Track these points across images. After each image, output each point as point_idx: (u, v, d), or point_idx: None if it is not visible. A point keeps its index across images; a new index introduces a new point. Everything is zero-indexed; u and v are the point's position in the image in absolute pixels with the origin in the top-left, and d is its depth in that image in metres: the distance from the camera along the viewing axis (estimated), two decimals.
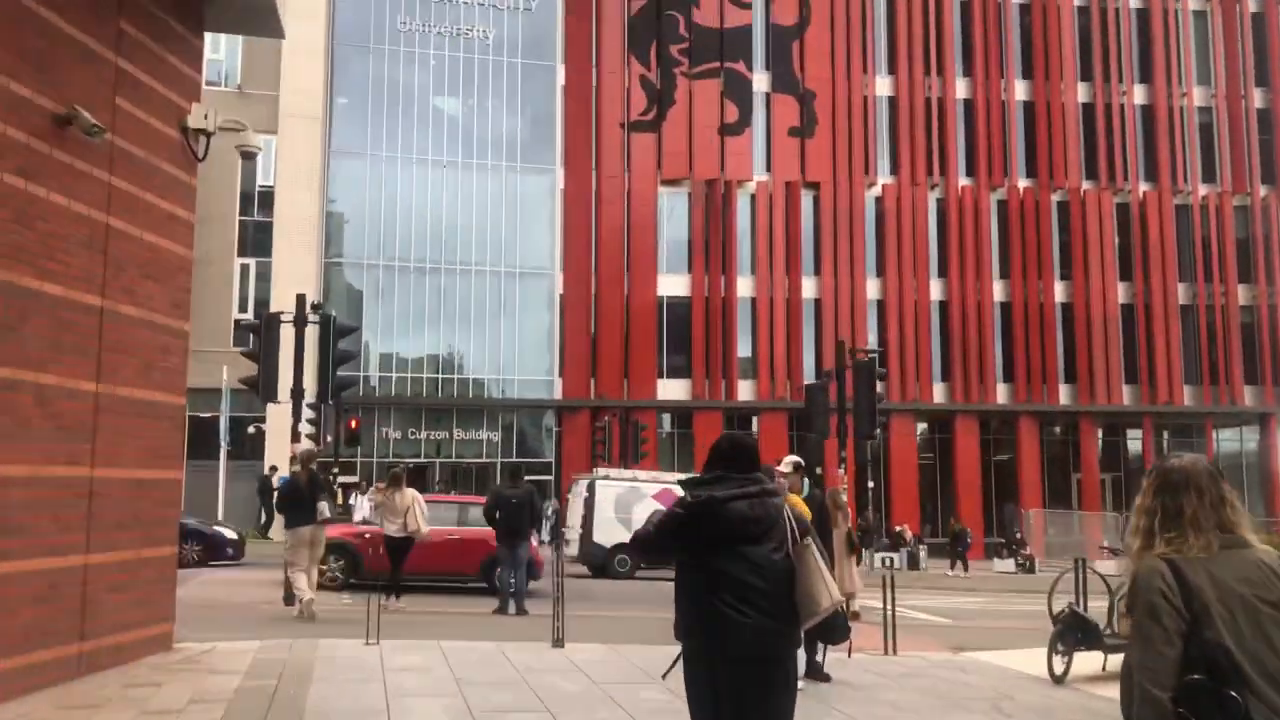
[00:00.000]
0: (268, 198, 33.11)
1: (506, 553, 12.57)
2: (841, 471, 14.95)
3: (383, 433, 34.95)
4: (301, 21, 33.17)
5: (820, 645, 8.44)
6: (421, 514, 12.57)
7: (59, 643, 7.21)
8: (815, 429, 14.79)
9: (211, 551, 19.93)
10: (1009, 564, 29.45)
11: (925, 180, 38.33)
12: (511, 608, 12.62)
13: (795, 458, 8.45)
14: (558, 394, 36.33)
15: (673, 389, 36.52)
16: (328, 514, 11.89)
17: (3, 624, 6.63)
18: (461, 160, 36.46)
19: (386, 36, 36.06)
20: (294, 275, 31.02)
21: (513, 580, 12.44)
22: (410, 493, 12.66)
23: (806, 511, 7.85)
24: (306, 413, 18.66)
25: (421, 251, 35.89)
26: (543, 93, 37.27)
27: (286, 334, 13.02)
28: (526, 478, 36.18)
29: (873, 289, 37.95)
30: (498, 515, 12.64)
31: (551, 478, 35.61)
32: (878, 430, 14.29)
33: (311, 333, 12.92)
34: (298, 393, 12.94)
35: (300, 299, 13.35)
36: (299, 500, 11.72)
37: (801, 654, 8.18)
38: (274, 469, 27.93)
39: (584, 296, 36.43)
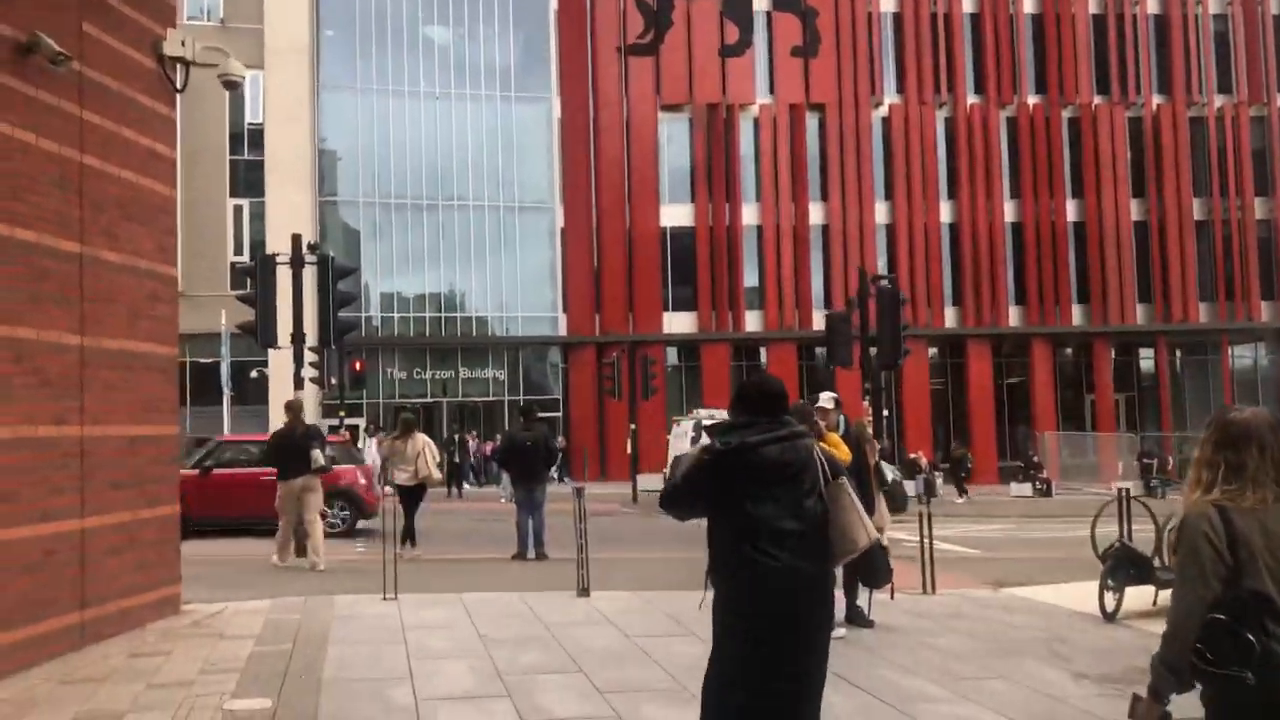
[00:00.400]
0: (258, 136, 32.21)
1: (524, 496, 12.15)
2: (866, 403, 14.49)
3: (387, 374, 34.48)
4: None
5: (862, 589, 7.98)
6: (433, 459, 12.13)
7: (58, 612, 6.76)
8: (838, 359, 14.27)
9: None
10: (1025, 488, 29.12)
11: (933, 99, 37.30)
12: (531, 552, 12.22)
13: (833, 394, 7.92)
14: (562, 330, 35.79)
15: (679, 322, 35.95)
16: (321, 461, 11.46)
17: None
18: (455, 91, 35.43)
19: None
20: (288, 215, 30.28)
21: (530, 523, 12.03)
22: (421, 438, 12.20)
23: (845, 451, 7.40)
24: (309, 357, 18.15)
25: (418, 187, 35.05)
26: (535, 17, 36.11)
27: (284, 277, 12.43)
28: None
29: (881, 213, 37.15)
30: (512, 458, 12.22)
31: (560, 414, 35.23)
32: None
33: (310, 275, 12.34)
34: (298, 337, 12.37)
35: (296, 239, 12.73)
36: (291, 451, 11.41)
37: (841, 599, 7.78)
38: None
39: (585, 229, 35.69)
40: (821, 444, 7.04)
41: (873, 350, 16.17)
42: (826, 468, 3.96)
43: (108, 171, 7.07)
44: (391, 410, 34.44)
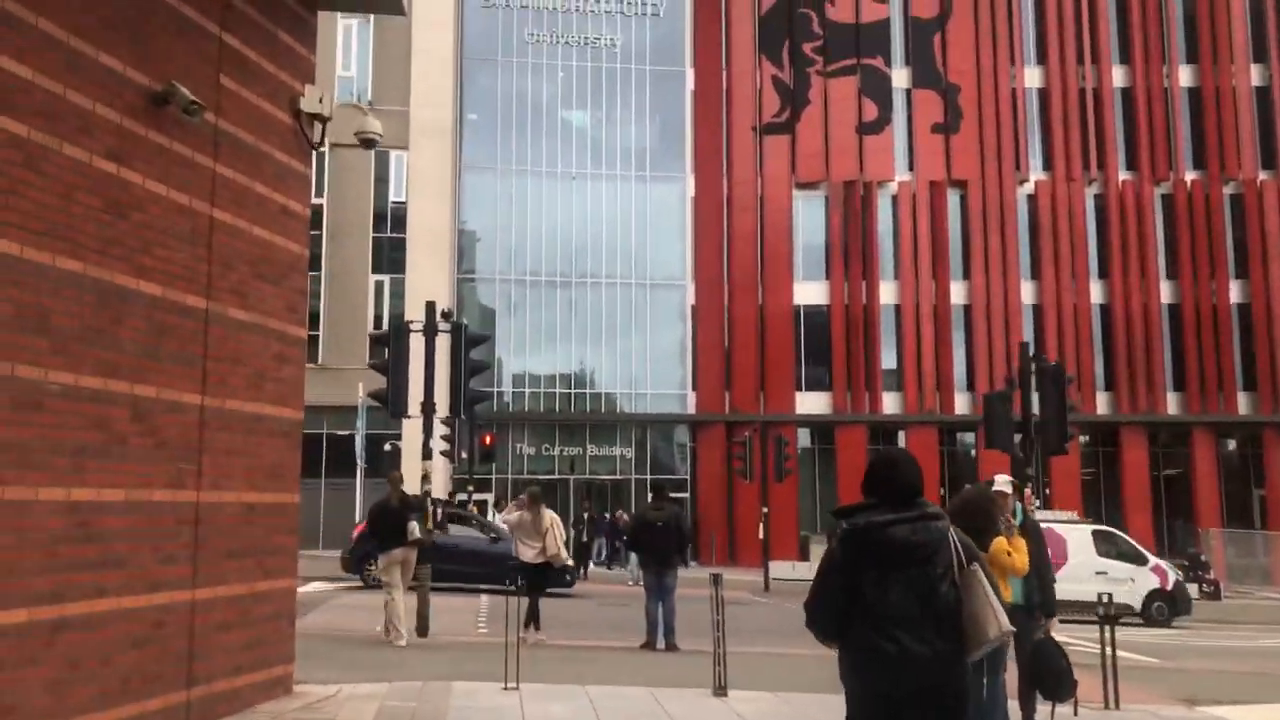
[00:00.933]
0: (401, 214, 33.02)
1: (654, 580, 11.39)
2: (1029, 491, 13.33)
3: (516, 449, 34.40)
4: (430, 31, 33.16)
5: (1041, 701, 6.97)
6: (560, 538, 11.55)
7: (164, 690, 6.35)
8: (996, 443, 13.20)
9: None
10: (1191, 589, 26.75)
11: (1081, 175, 35.84)
12: (660, 642, 11.43)
13: (1009, 477, 7.02)
14: (691, 408, 35.19)
15: (812, 402, 34.95)
16: (417, 534, 11.45)
17: (100, 670, 5.79)
18: (591, 171, 35.77)
19: (515, 48, 35.69)
20: (427, 291, 30.53)
21: (660, 611, 11.25)
22: (549, 514, 11.65)
23: (1023, 558, 6.32)
24: (439, 429, 17.98)
25: (553, 265, 35.29)
26: (672, 99, 36.32)
27: (416, 346, 12.21)
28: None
29: (1027, 293, 35.62)
30: (641, 539, 11.59)
31: (687, 495, 34.44)
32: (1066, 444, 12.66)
33: (443, 344, 12.10)
34: (429, 407, 12.08)
35: (430, 306, 12.52)
36: (390, 522, 11.48)
37: (1015, 711, 6.76)
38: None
39: (717, 307, 35.23)
40: (1003, 550, 6.25)
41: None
42: (962, 553, 3.79)
43: (239, 227, 6.84)
44: (520, 486, 34.36)
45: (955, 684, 3.71)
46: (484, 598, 17.33)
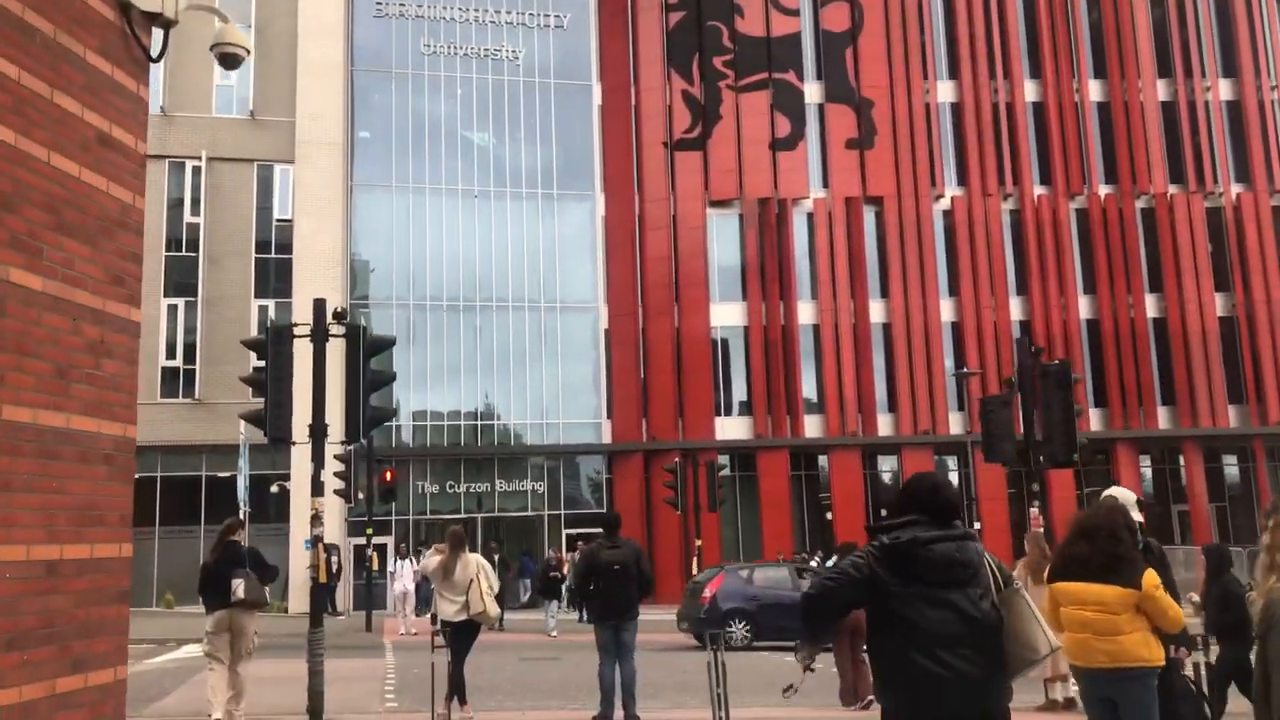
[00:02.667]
0: (286, 233, 30.33)
1: (609, 637, 9.21)
2: (1034, 511, 11.75)
3: (418, 487, 31.85)
4: (318, 40, 30.77)
5: None
6: (488, 589, 9.39)
7: None
8: (998, 455, 11.56)
9: None
10: None
11: (997, 190, 35.23)
12: (618, 712, 9.32)
13: (1128, 490, 5.37)
14: (607, 437, 33.21)
15: (732, 428, 33.30)
16: (240, 594, 9.25)
17: None
18: (494, 189, 33.71)
19: (410, 60, 33.52)
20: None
21: (617, 675, 9.12)
22: (474, 561, 9.50)
23: (1177, 613, 5.14)
24: (331, 463, 15.66)
25: (454, 289, 33.02)
26: (579, 114, 34.57)
27: (302, 355, 10.00)
28: (569, 532, 33.19)
29: (947, 310, 34.72)
30: (594, 585, 9.38)
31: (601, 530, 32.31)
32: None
33: (335, 352, 9.95)
34: (319, 430, 9.87)
35: (319, 305, 10.32)
36: (208, 581, 9.51)
37: None
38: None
39: (631, 331, 33.41)
40: (1152, 593, 5.12)
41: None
42: (998, 574, 3.78)
43: (24, 150, 4.64)
44: (422, 528, 31.84)
45: (1000, 705, 3.68)
46: (390, 658, 14.97)
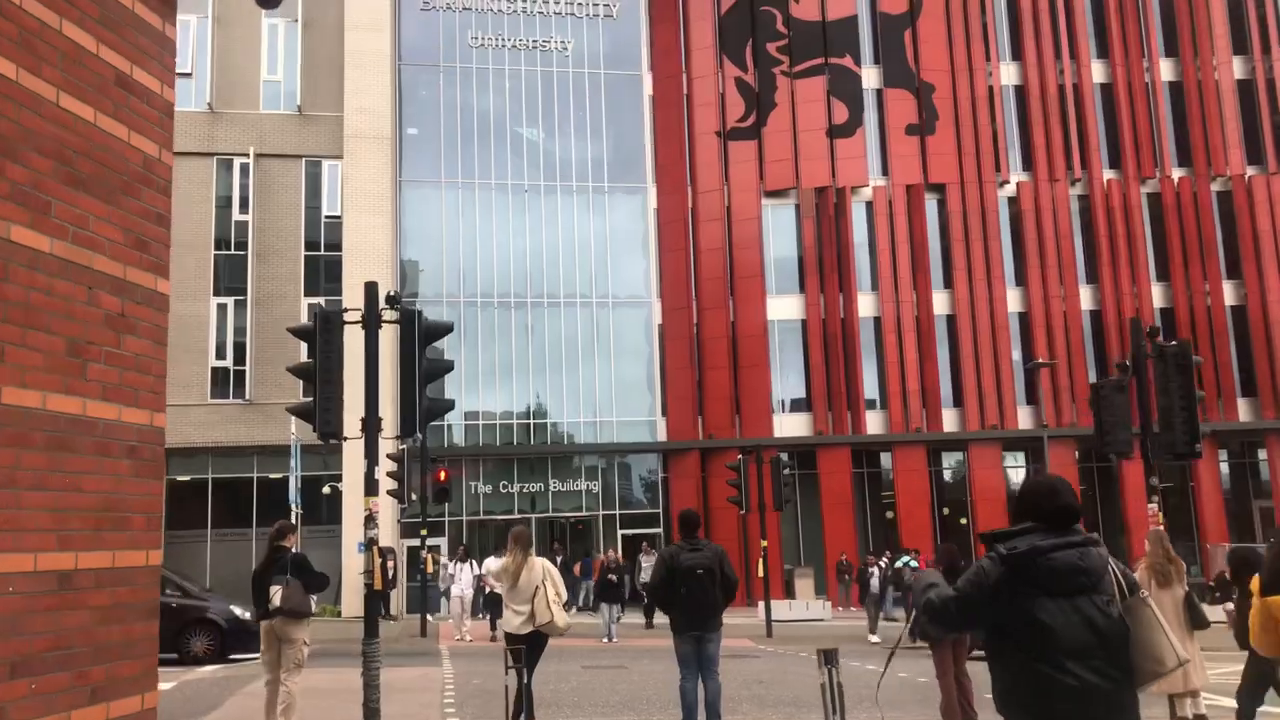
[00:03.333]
0: (336, 230, 29.83)
1: (691, 649, 8.25)
2: (1154, 507, 10.77)
3: (471, 487, 31.26)
4: (364, 34, 30.28)
5: None
6: (555, 597, 8.56)
7: None
8: (1115, 445, 10.60)
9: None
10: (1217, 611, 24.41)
11: (1065, 175, 33.88)
12: None
13: None
14: (661, 436, 32.39)
15: (791, 424, 32.31)
16: (278, 602, 8.65)
17: None
18: (545, 184, 33.04)
19: (458, 53, 32.95)
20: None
21: (701, 691, 8.21)
22: (540, 564, 8.71)
23: None
24: (385, 463, 15.03)
25: (505, 286, 32.38)
26: (630, 105, 33.79)
27: (354, 345, 9.29)
28: (624, 533, 32.44)
29: (1014, 300, 33.44)
30: (674, 594, 8.26)
31: (660, 530, 31.58)
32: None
33: (389, 339, 9.26)
34: (372, 424, 9.15)
35: (371, 288, 9.63)
36: (255, 588, 9.00)
37: None
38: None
39: (685, 326, 32.56)
40: None
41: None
42: (1123, 581, 3.66)
43: (29, 89, 3.92)
44: (476, 529, 31.27)
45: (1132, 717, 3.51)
46: (448, 667, 14.28)
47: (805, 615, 24.19)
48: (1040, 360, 29.25)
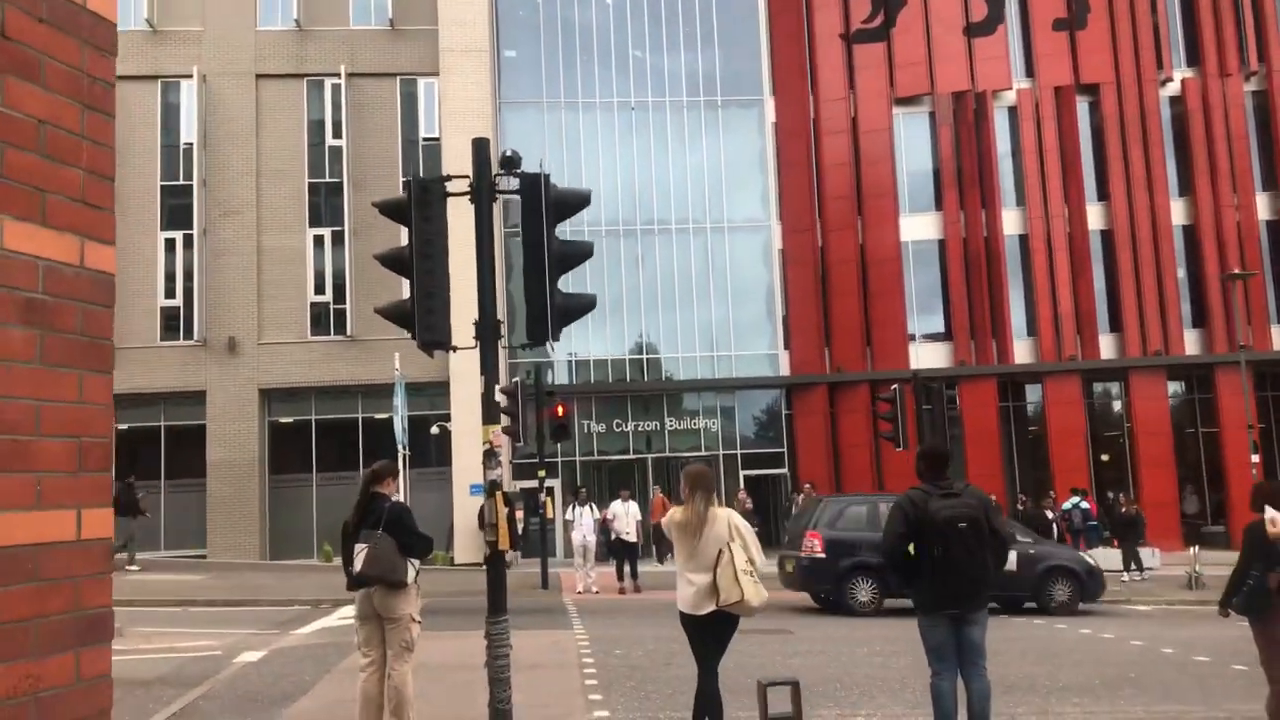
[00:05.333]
0: (434, 153, 27.79)
1: (947, 635, 6.01)
2: None
3: (583, 427, 29.32)
4: None
5: None
6: (748, 566, 6.01)
7: None
8: None
9: None
10: None
11: (1238, 69, 29.98)
12: None
13: None
14: (785, 370, 29.93)
15: (929, 355, 29.47)
16: (358, 566, 6.63)
17: None
18: (652, 100, 30.47)
19: None
20: (470, 244, 25.72)
21: (970, 690, 6.03)
22: (725, 518, 6.20)
23: None
24: (500, 398, 13.03)
25: (613, 212, 30.00)
26: (743, 9, 30.87)
27: (461, 224, 7.13)
28: (746, 473, 30.24)
29: (1178, 212, 29.89)
30: (925, 558, 5.98)
31: (784, 470, 29.30)
32: None
33: (503, 218, 7.10)
34: (488, 329, 6.98)
35: (480, 147, 7.41)
36: (348, 545, 6.85)
37: None
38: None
39: (809, 250, 29.90)
40: None
41: None
42: None
43: None
44: (589, 471, 29.46)
45: None
46: (579, 629, 12.28)
47: None
48: (1237, 271, 25.89)
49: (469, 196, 7.25)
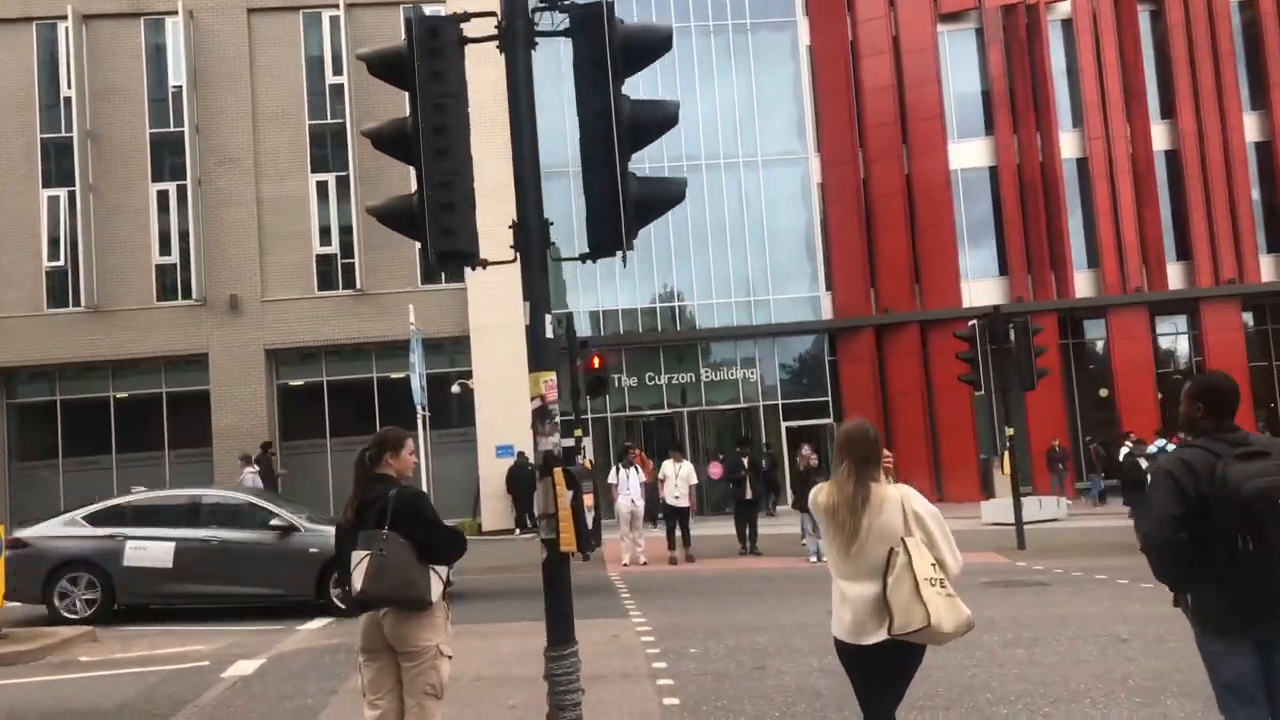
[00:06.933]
0: None
1: (1249, 664, 3.78)
2: None
3: (614, 380, 27.39)
4: None
5: None
6: (933, 572, 4.05)
7: None
8: None
9: None
10: None
11: None
12: None
13: None
14: (827, 313, 27.89)
15: (983, 291, 27.30)
16: (358, 584, 4.76)
17: None
18: (676, 25, 28.05)
19: None
20: (485, 188, 23.65)
21: None
22: (899, 499, 4.05)
23: None
24: (551, 325, 11.10)
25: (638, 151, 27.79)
26: None
27: (486, 83, 5.09)
28: (788, 425, 28.22)
29: (1251, 128, 27.54)
30: (1221, 541, 3.65)
31: (829, 420, 27.34)
32: None
33: (546, 70, 4.41)
34: (531, 234, 4.90)
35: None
36: (343, 550, 4.99)
37: None
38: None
39: (850, 182, 27.70)
40: None
41: None
42: None
43: None
44: (624, 427, 27.62)
45: None
46: (639, 618, 10.42)
47: (1039, 515, 19.79)
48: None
49: (497, 42, 5.17)
